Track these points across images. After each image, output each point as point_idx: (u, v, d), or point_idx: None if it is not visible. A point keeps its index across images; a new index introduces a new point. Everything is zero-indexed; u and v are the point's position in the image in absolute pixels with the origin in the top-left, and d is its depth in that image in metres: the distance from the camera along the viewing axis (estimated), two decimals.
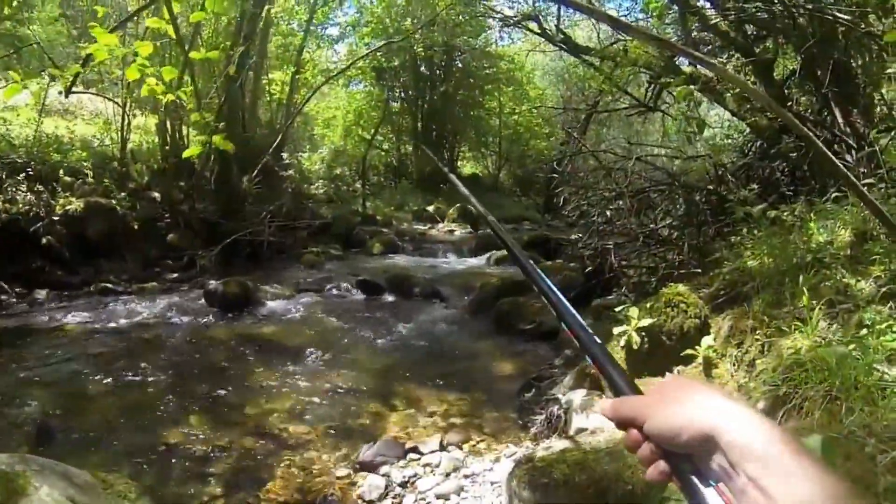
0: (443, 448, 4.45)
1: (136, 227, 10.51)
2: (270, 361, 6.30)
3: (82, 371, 5.95)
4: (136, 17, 8.59)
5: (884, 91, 6.61)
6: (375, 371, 6.13)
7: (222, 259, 10.66)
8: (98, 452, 4.33)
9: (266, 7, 13.03)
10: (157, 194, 11.51)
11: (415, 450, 4.41)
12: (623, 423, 0.80)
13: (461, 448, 4.48)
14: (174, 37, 3.31)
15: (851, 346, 3.24)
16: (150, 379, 5.74)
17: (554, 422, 4.40)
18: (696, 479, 0.71)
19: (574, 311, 0.97)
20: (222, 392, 5.45)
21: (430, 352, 6.87)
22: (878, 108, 6.81)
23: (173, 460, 4.25)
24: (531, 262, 1.10)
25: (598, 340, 0.92)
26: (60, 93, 3.33)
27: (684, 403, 0.74)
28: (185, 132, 12.41)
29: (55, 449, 4.26)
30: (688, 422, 0.72)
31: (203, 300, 8.40)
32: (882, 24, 5.46)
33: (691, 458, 0.72)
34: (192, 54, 4.39)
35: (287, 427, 4.79)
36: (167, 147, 12.30)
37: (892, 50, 4.70)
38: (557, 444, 3.75)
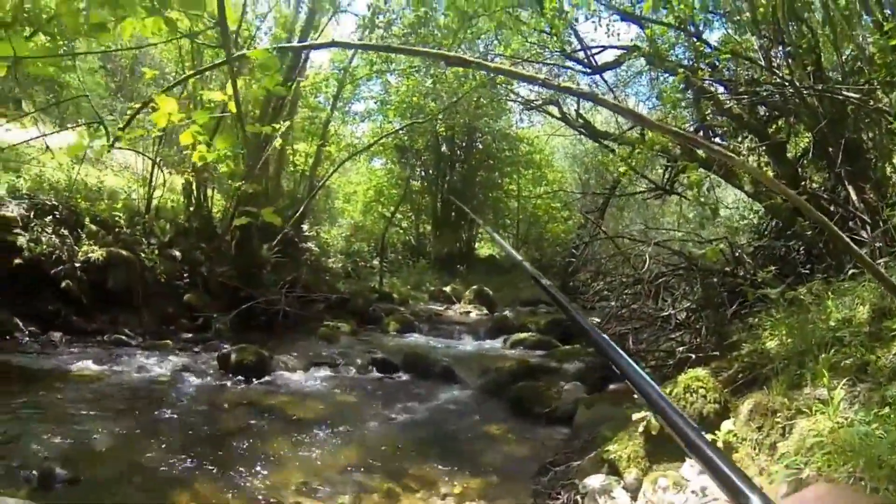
0: None
1: (155, 282, 10.57)
2: (282, 433, 6.20)
3: (90, 419, 5.91)
4: (185, 83, 8.80)
5: None
6: (388, 450, 6.01)
7: (238, 324, 10.66)
8: None
9: (297, 80, 13.33)
10: (177, 253, 11.56)
11: None
12: None
13: None
14: (233, 111, 3.39)
15: (874, 425, 3.19)
16: (158, 437, 5.68)
17: None
18: None
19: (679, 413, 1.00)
20: (231, 459, 5.35)
21: (444, 433, 6.75)
22: (892, 182, 6.85)
23: None
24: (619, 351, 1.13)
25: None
26: (109, 149, 3.40)
27: None
28: (209, 194, 12.63)
29: (56, 496, 4.24)
30: None
31: (216, 363, 8.35)
32: (889, 99, 5.53)
33: None
34: (248, 127, 4.52)
35: (298, 500, 4.69)
36: (192, 208, 12.49)
37: None
38: None
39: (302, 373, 8.61)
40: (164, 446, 5.49)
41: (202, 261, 11.74)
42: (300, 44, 12.43)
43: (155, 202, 12.29)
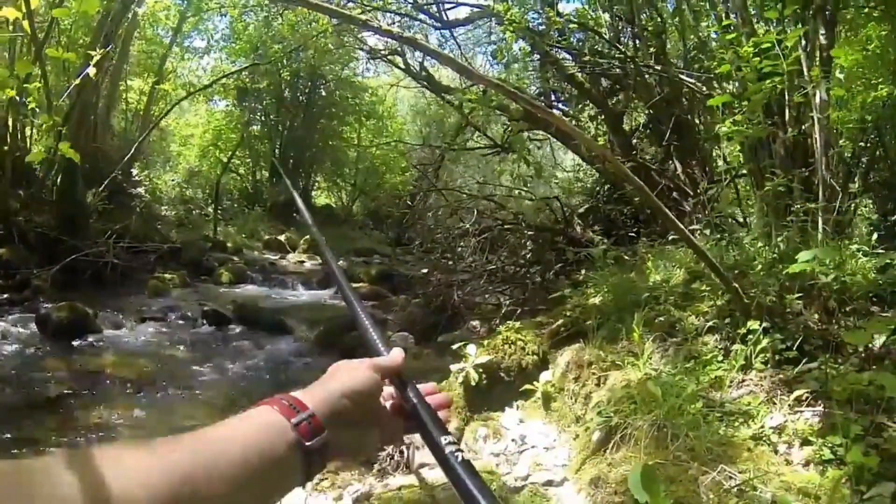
0: None
1: None
2: (107, 397, 5.92)
3: None
4: None
5: (723, 147, 7.18)
6: (221, 406, 5.89)
7: (60, 280, 9.72)
8: None
9: (133, 8, 12.51)
10: None
11: None
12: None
13: (303, 486, 4.41)
14: (28, 31, 3.14)
15: (679, 377, 3.47)
16: None
17: (398, 457, 4.42)
18: None
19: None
20: (53, 431, 5.04)
21: (277, 385, 6.61)
22: (716, 163, 7.42)
23: None
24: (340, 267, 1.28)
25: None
26: None
27: None
28: (28, 133, 11.61)
29: None
30: None
31: (35, 326, 7.72)
32: (721, 90, 5.95)
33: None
34: (49, 51, 4.17)
35: None
36: (6, 147, 11.03)
37: (723, 112, 5.15)
38: (399, 480, 3.78)
39: (130, 330, 8.27)
40: None
41: (18, 209, 10.69)
42: None
43: None
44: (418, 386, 0.99)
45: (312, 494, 4.24)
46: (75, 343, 7.49)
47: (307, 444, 0.79)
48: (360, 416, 0.90)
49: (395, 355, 0.99)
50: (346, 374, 0.93)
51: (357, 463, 4.44)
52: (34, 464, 0.57)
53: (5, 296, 9.14)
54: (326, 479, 4.52)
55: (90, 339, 7.67)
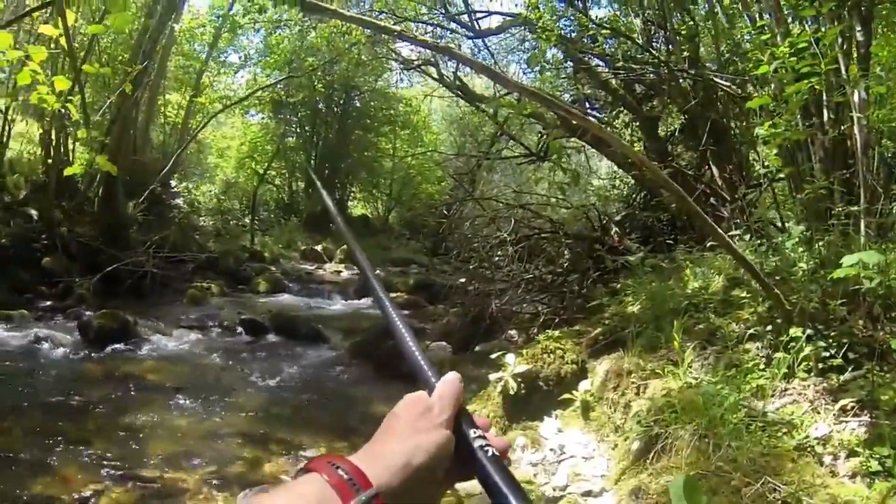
0: None
1: (7, 246, 9.79)
2: (145, 402, 5.96)
3: None
4: (26, 18, 8.21)
5: (759, 150, 7.07)
6: (256, 414, 5.94)
7: (102, 289, 9.94)
8: None
9: (170, 25, 12.71)
10: (34, 212, 10.78)
11: None
12: None
13: None
14: (65, 47, 3.20)
15: (720, 386, 3.41)
16: (12, 417, 5.34)
17: None
18: None
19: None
20: (94, 434, 5.11)
21: (311, 395, 6.72)
22: (752, 166, 7.31)
23: None
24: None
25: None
26: None
27: None
28: (70, 146, 11.78)
29: None
30: None
31: (78, 332, 7.85)
32: (757, 93, 5.86)
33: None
34: (86, 67, 4.25)
35: (162, 474, 4.52)
36: (50, 161, 11.49)
37: (759, 115, 5.08)
38: None
39: (168, 337, 8.34)
40: (17, 427, 5.17)
41: (61, 220, 10.94)
42: None
43: (9, 154, 11.40)
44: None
45: None
46: (115, 349, 7.61)
47: None
48: (429, 485, 0.76)
49: (454, 387, 0.85)
50: (413, 436, 0.76)
51: None
52: None
53: (49, 303, 9.39)
54: None
55: (130, 345, 7.79)
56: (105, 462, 4.65)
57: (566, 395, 4.42)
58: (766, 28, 4.94)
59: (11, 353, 7.15)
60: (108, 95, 11.01)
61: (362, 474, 0.68)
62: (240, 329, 9.07)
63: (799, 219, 4.75)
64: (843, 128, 4.53)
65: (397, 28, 4.80)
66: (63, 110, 3.95)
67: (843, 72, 4.22)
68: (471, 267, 8.81)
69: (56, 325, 8.32)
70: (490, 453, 0.76)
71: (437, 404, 0.81)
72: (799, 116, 4.47)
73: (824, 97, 4.47)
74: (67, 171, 4.40)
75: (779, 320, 3.69)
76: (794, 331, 3.43)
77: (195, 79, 17.71)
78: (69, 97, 4.21)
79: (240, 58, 20.64)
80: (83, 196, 11.56)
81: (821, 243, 4.03)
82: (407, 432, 0.76)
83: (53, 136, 11.37)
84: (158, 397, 6.16)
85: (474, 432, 0.79)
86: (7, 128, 10.99)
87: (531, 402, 4.53)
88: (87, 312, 8.47)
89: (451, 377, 0.86)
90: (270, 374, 7.23)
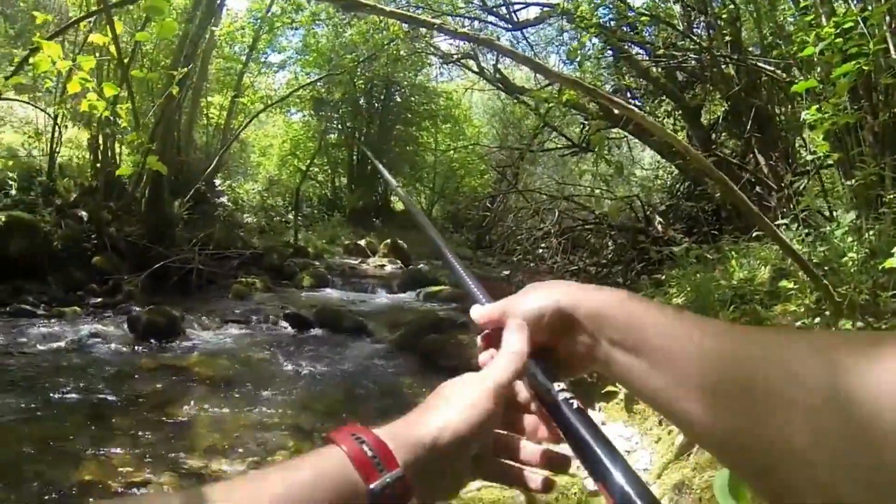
0: None
1: (59, 246, 10.03)
2: (194, 395, 6.09)
3: None
4: (75, 27, 8.37)
5: (805, 136, 6.91)
6: (301, 407, 5.99)
7: (149, 286, 10.19)
8: (5, 486, 4.11)
9: (210, 29, 12.88)
10: (84, 213, 11.02)
11: None
12: (492, 323, 0.79)
13: None
14: (115, 55, 3.25)
15: None
16: (65, 408, 5.48)
17: None
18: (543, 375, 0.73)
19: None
20: (142, 425, 5.22)
21: (356, 388, 6.77)
22: (798, 153, 7.14)
23: (89, 498, 4.07)
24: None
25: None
26: None
27: (543, 290, 0.75)
28: (117, 150, 12.05)
29: None
30: (549, 302, 0.72)
31: (127, 328, 8.05)
32: (803, 77, 5.72)
33: (547, 353, 0.74)
34: (133, 73, 4.32)
35: (209, 465, 4.61)
36: (98, 164, 11.80)
37: (805, 99, 4.94)
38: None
39: (215, 332, 8.49)
40: (70, 418, 5.30)
41: (110, 221, 11.22)
42: None
43: (60, 160, 11.66)
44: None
45: None
46: (163, 343, 7.77)
47: None
48: (464, 463, 0.68)
49: (519, 345, 0.73)
50: (453, 406, 0.67)
51: None
52: None
53: (99, 300, 9.65)
54: None
55: (177, 340, 7.95)
56: (153, 452, 4.75)
57: (610, 388, 4.38)
58: (809, 8, 4.80)
59: (65, 347, 7.34)
60: (152, 100, 11.23)
61: (388, 451, 0.60)
62: (284, 323, 9.16)
63: (848, 207, 4.62)
64: (893, 110, 4.40)
65: (437, 21, 4.76)
66: (112, 116, 4.01)
67: (893, 52, 4.10)
68: (515, 259, 8.79)
69: (106, 321, 8.52)
70: (576, 406, 0.71)
71: (497, 382, 0.70)
72: (847, 100, 4.35)
73: (873, 79, 4.34)
74: (119, 172, 4.50)
75: (827, 312, 3.59)
76: (844, 323, 3.34)
77: (236, 80, 17.97)
78: (115, 103, 4.30)
79: (280, 57, 20.89)
80: (131, 197, 11.79)
81: (871, 232, 3.91)
82: (449, 405, 0.68)
83: (101, 141, 11.64)
84: (205, 390, 6.27)
85: (557, 385, 0.73)
86: (58, 134, 11.25)
87: (576, 394, 4.49)
88: (136, 308, 8.67)
89: (514, 325, 0.74)
90: (315, 367, 7.29)
